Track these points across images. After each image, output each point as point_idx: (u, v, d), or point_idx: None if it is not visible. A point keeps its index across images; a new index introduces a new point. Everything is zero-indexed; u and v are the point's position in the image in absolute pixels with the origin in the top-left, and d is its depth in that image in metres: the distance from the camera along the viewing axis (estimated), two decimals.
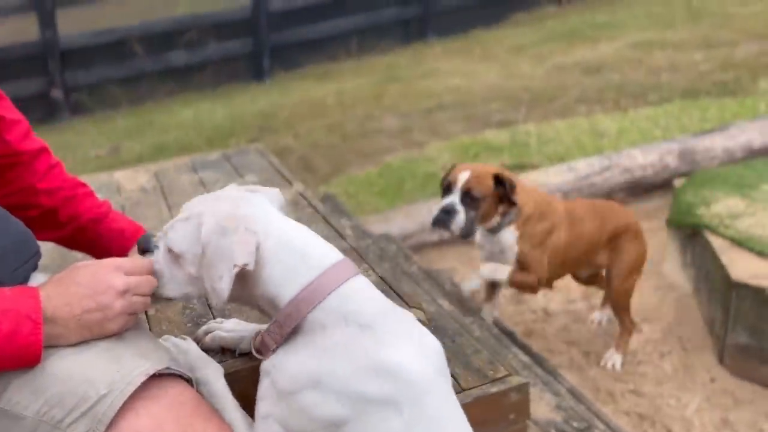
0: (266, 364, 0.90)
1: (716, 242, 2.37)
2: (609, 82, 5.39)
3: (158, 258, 0.94)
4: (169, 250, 0.92)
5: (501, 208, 1.92)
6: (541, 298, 2.68)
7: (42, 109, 6.17)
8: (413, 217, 2.94)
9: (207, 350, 1.04)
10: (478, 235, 2.04)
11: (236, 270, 0.84)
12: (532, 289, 2.06)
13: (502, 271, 2.01)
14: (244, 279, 0.87)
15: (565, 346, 2.42)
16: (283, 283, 0.88)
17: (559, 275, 2.20)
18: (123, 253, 1.22)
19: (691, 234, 2.60)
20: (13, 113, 1.13)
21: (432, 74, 6.45)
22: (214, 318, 1.16)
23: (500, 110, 5.09)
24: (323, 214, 1.66)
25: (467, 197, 1.84)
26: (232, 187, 0.99)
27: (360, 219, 2.94)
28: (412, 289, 1.54)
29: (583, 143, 4.11)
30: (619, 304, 2.26)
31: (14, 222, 0.99)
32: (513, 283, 2.03)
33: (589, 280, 2.46)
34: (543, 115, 4.86)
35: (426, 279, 2.06)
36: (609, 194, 3.21)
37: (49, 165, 1.18)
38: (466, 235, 1.86)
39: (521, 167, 3.81)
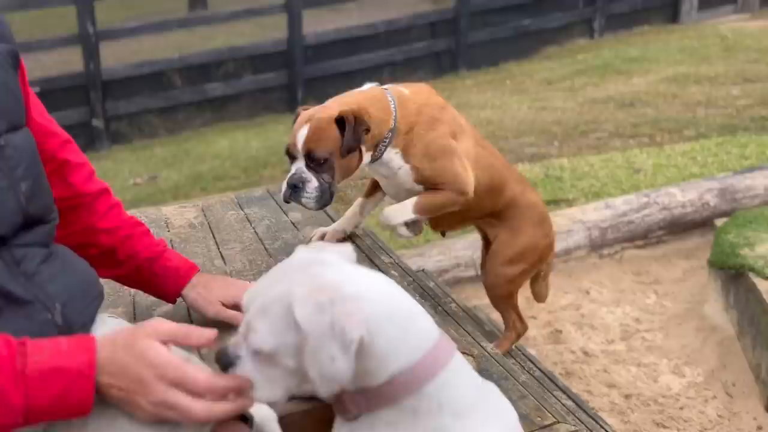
0: (342, 428, 0.84)
1: (762, 285, 2.32)
2: (644, 116, 5.36)
3: (244, 368, 0.80)
4: (257, 353, 0.79)
5: (363, 146, 1.51)
6: (579, 338, 2.64)
7: (83, 138, 6.36)
8: (449, 253, 2.94)
9: None
10: (372, 171, 1.65)
11: (355, 345, 0.73)
12: (454, 203, 1.61)
13: (405, 208, 1.60)
14: None
15: (606, 388, 2.38)
16: (383, 359, 0.77)
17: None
18: (177, 290, 1.24)
19: (734, 275, 2.55)
20: (79, 156, 1.17)
21: (463, 106, 6.50)
22: None
23: (533, 144, 5.09)
24: (366, 251, 1.67)
25: (311, 160, 1.46)
26: (299, 250, 0.87)
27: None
28: (456, 332, 1.54)
29: (618, 179, 4.07)
30: (495, 293, 1.88)
31: (81, 262, 1.02)
32: (424, 210, 1.60)
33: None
34: (576, 150, 4.84)
35: (466, 318, 2.05)
36: (647, 232, 3.17)
37: (109, 205, 1.22)
38: (326, 202, 1.50)
39: (555, 202, 3.79)
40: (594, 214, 3.16)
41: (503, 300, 1.90)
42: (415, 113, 1.56)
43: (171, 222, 1.86)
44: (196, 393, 0.79)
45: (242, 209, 1.95)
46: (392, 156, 1.56)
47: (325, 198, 1.49)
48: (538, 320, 2.77)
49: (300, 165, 1.48)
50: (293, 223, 1.81)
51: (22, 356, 0.75)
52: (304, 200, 1.47)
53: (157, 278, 1.24)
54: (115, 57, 7.07)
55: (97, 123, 6.69)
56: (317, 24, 7.76)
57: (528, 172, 4.38)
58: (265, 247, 1.66)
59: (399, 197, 1.65)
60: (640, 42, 8.36)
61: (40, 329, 0.86)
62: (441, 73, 8.18)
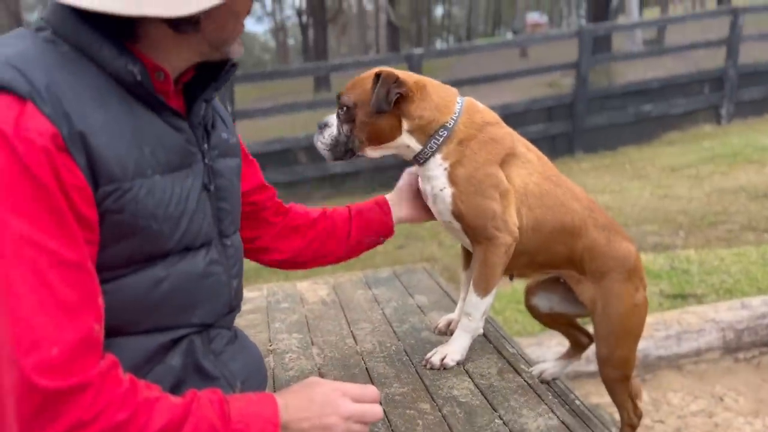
0: None
1: None
2: None
3: None
4: None
5: (406, 124, 1.38)
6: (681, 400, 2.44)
7: None
8: (568, 344, 2.85)
9: None
10: (420, 182, 1.48)
11: None
12: (507, 253, 1.42)
13: (472, 316, 1.46)
14: None
15: None
16: None
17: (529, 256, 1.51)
18: (390, 221, 1.46)
19: None
20: (260, 178, 1.32)
21: None
22: None
23: (656, 233, 4.89)
24: (493, 340, 1.67)
25: (339, 106, 1.38)
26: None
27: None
28: None
29: (753, 275, 3.81)
30: (613, 379, 1.63)
31: (253, 345, 1.13)
32: (488, 287, 1.45)
33: (554, 318, 1.77)
34: (704, 241, 4.60)
35: (591, 419, 1.97)
36: None
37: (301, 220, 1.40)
38: (339, 155, 1.39)
39: (683, 296, 3.60)
40: (728, 313, 2.96)
41: (623, 383, 1.65)
42: (478, 127, 1.41)
43: (305, 298, 1.97)
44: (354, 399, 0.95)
45: (370, 289, 2.03)
46: (438, 167, 1.40)
47: (339, 150, 1.38)
48: (666, 425, 2.59)
49: (335, 113, 1.41)
50: (419, 307, 1.86)
51: (227, 402, 0.85)
52: (318, 144, 1.40)
53: (371, 223, 1.43)
54: (249, 134, 7.70)
55: None
56: None
57: (651, 263, 4.20)
58: (393, 330, 1.71)
59: (443, 224, 1.50)
60: None
61: None
62: (556, 155, 8.14)
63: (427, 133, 1.39)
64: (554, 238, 1.50)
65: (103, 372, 0.76)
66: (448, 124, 1.39)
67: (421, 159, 1.41)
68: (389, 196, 1.51)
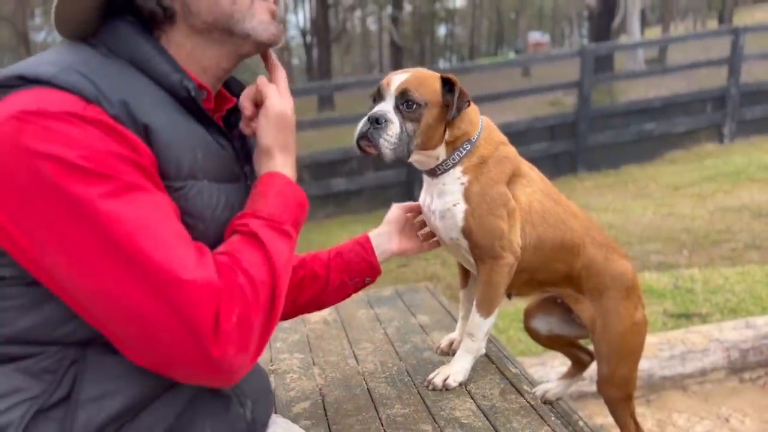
0: None
1: None
2: None
3: None
4: None
5: (447, 134, 1.36)
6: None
7: None
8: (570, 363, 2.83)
9: None
10: (427, 197, 1.45)
11: None
12: (510, 273, 1.41)
13: (475, 335, 1.45)
14: None
15: None
16: None
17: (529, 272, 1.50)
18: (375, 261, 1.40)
19: None
20: None
21: (583, 209, 6.39)
22: None
23: (659, 251, 4.88)
24: (495, 360, 1.66)
25: (404, 102, 1.29)
26: None
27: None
28: None
29: (758, 294, 3.78)
30: (615, 399, 1.63)
31: (262, 368, 1.14)
32: (491, 307, 1.44)
33: (553, 340, 1.78)
34: (708, 260, 4.58)
35: None
36: None
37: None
38: (400, 155, 1.29)
39: (687, 316, 3.58)
40: (733, 333, 2.94)
41: (621, 404, 1.66)
42: (495, 145, 1.41)
43: (307, 317, 1.97)
44: None
45: (372, 308, 2.03)
46: (456, 181, 1.38)
47: (402, 149, 1.29)
48: None
49: (387, 105, 1.30)
50: (421, 327, 1.86)
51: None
52: (381, 141, 1.26)
53: (352, 264, 1.36)
54: None
55: None
56: None
57: (655, 282, 4.18)
58: (395, 350, 1.71)
59: (444, 240, 1.47)
60: None
61: (233, 422, 0.96)
62: (559, 174, 8.16)
63: (455, 145, 1.38)
64: (554, 256, 1.50)
65: (221, 259, 0.82)
66: (473, 139, 1.38)
67: (439, 171, 1.39)
68: (378, 231, 1.45)
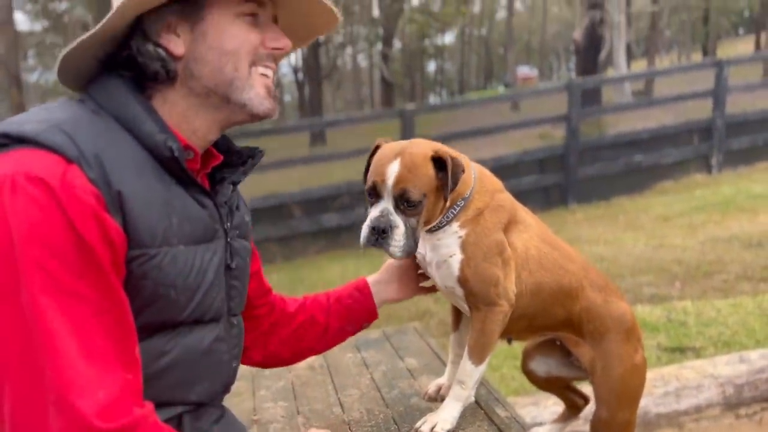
0: None
1: None
2: None
3: None
4: None
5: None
6: None
7: None
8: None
9: None
10: (423, 249, 1.45)
11: None
12: (504, 321, 1.40)
13: (464, 384, 1.43)
14: None
15: None
16: None
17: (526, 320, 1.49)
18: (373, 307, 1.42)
19: None
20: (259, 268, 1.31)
21: (574, 241, 6.39)
22: None
23: (651, 284, 4.86)
24: (482, 404, 1.62)
25: (403, 201, 1.28)
26: None
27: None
28: None
29: (751, 327, 3.76)
30: None
31: (240, 424, 1.12)
32: (483, 355, 1.41)
33: (551, 382, 1.77)
34: (701, 292, 4.57)
35: None
36: None
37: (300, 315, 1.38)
38: (409, 251, 1.30)
39: (681, 350, 3.55)
40: (727, 368, 2.91)
41: None
42: (490, 195, 1.40)
43: None
44: None
45: (360, 352, 1.99)
46: (453, 234, 1.37)
47: (410, 245, 1.29)
48: None
49: (386, 206, 1.29)
50: (409, 371, 1.83)
51: None
52: (391, 249, 1.27)
53: (351, 311, 1.38)
54: (244, 189, 7.72)
55: None
56: None
57: (648, 315, 4.16)
58: (382, 396, 1.67)
59: (439, 287, 1.47)
60: (764, 178, 8.00)
61: None
62: (549, 207, 8.19)
63: (449, 204, 1.36)
64: (553, 301, 1.49)
65: (146, 415, 0.80)
66: (466, 194, 1.37)
67: (434, 228, 1.38)
68: (377, 278, 1.45)
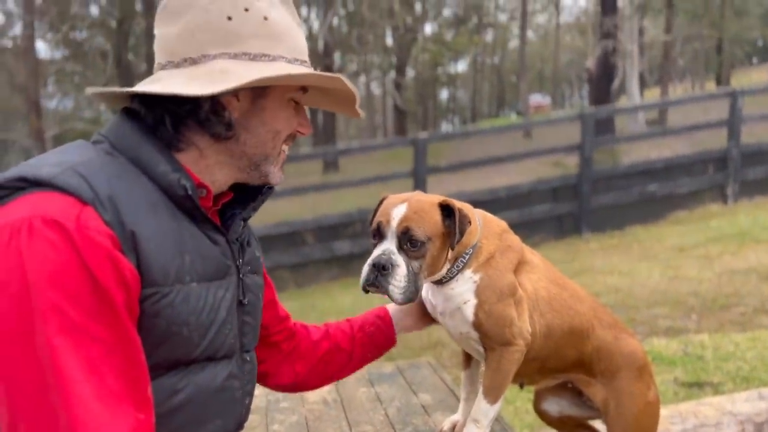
0: None
1: None
2: None
3: None
4: None
5: (450, 253, 1.34)
6: None
7: None
8: None
9: None
10: (432, 297, 1.43)
11: None
12: (519, 360, 1.38)
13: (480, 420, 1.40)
14: None
15: None
16: None
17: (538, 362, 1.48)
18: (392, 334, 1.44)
19: None
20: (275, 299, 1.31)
21: (587, 271, 6.33)
22: None
23: (667, 316, 4.80)
24: None
25: (407, 241, 1.25)
26: None
27: None
28: None
29: None
30: None
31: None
32: (498, 394, 1.39)
33: (564, 422, 1.73)
34: (718, 325, 4.50)
35: None
36: None
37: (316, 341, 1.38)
38: (410, 296, 1.26)
39: (699, 385, 3.48)
40: (746, 405, 2.85)
41: None
42: (498, 237, 1.39)
43: (306, 397, 1.92)
44: None
45: (373, 386, 1.98)
46: (468, 281, 1.35)
47: (411, 291, 1.25)
48: None
49: (389, 246, 1.25)
50: (423, 407, 1.81)
51: None
52: (390, 288, 1.23)
53: (374, 339, 1.41)
54: (256, 217, 7.76)
55: None
56: (440, 188, 8.14)
57: (664, 348, 4.10)
58: None
59: (453, 335, 1.45)
60: None
61: None
62: (563, 236, 8.15)
63: (457, 256, 1.35)
64: (564, 342, 1.49)
65: None
66: (474, 243, 1.36)
67: (445, 280, 1.36)
68: (396, 306, 1.46)
